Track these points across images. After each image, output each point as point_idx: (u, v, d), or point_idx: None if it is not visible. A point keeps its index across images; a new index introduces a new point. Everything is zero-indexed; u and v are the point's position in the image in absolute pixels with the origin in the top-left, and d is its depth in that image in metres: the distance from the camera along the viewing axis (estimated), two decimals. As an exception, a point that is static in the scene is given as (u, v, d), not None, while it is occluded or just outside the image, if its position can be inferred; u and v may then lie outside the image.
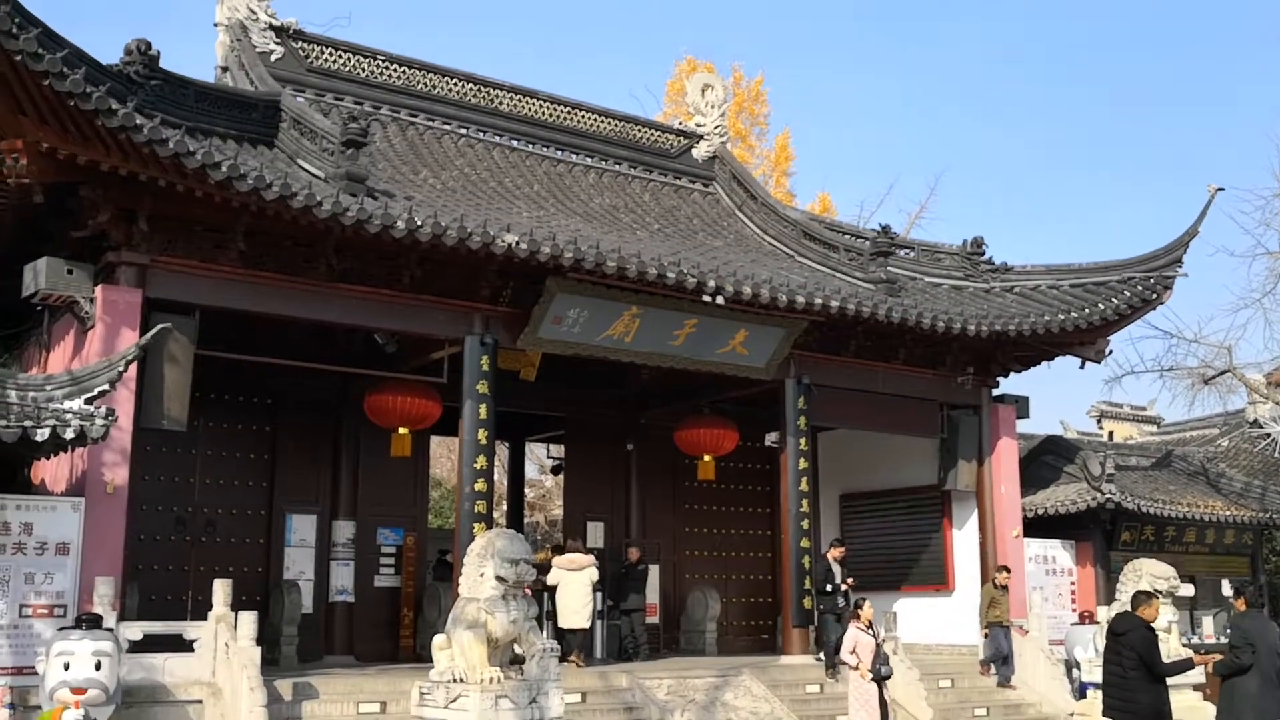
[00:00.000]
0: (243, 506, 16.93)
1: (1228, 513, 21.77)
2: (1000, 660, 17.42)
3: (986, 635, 17.56)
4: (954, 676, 17.29)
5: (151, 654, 12.05)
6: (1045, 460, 22.22)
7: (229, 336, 14.30)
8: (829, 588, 16.68)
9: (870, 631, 13.67)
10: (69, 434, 11.04)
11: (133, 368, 12.27)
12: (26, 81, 10.88)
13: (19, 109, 11.22)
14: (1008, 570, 18.01)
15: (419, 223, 13.25)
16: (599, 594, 18.67)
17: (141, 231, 12.88)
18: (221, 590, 12.57)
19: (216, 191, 12.30)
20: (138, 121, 11.39)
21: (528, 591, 10.61)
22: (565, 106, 20.79)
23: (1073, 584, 20.90)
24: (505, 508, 25.74)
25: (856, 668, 13.57)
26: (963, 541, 20.21)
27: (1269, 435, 21.86)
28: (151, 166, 11.96)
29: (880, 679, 13.39)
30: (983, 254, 20.62)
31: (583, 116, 20.99)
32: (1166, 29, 73.86)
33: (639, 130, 21.84)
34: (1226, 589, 22.77)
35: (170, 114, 12.70)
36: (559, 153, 20.48)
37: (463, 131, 19.40)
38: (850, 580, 17.02)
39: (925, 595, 20.01)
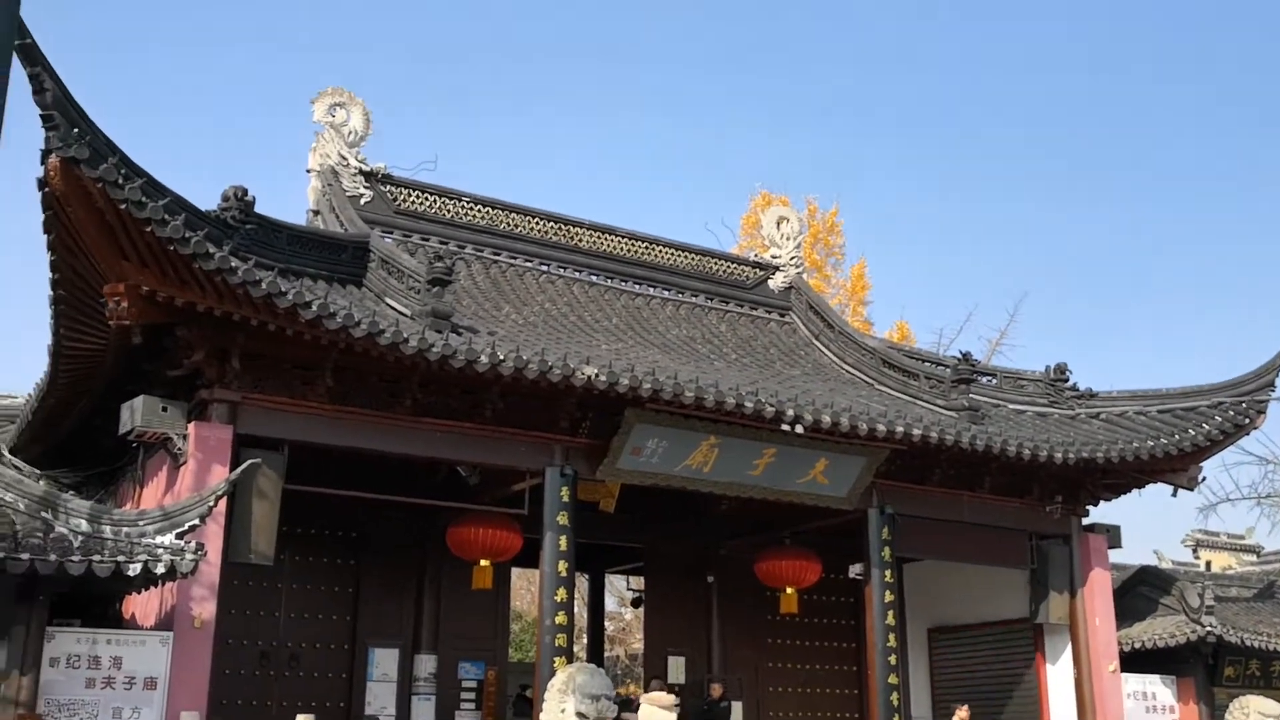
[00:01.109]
0: (326, 640, 17.00)
1: (1338, 646, 20.77)
2: None
3: None
4: (1053, 821, 16.55)
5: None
6: (1140, 591, 21.51)
7: (315, 471, 14.54)
8: None
9: None
10: (160, 569, 11.25)
11: (222, 503, 12.51)
12: (130, 228, 11.42)
13: (122, 254, 11.74)
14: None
15: (501, 357, 13.50)
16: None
17: (234, 369, 13.27)
18: (304, 726, 12.58)
19: (306, 329, 12.67)
20: (233, 264, 11.84)
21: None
22: (643, 242, 21.22)
23: (1176, 723, 20.01)
24: (585, 641, 25.49)
25: None
26: (1057, 677, 19.52)
27: (1377, 564, 20.98)
28: (245, 307, 12.39)
29: None
30: (1066, 380, 20.38)
31: (660, 251, 21.38)
32: (1240, 143, 73.46)
33: (715, 263, 22.16)
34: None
35: (264, 256, 13.20)
36: (637, 286, 20.83)
37: (544, 268, 19.85)
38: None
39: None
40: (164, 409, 13.19)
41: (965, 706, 15.79)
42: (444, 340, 13.30)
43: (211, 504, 11.97)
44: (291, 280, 12.80)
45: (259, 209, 14.69)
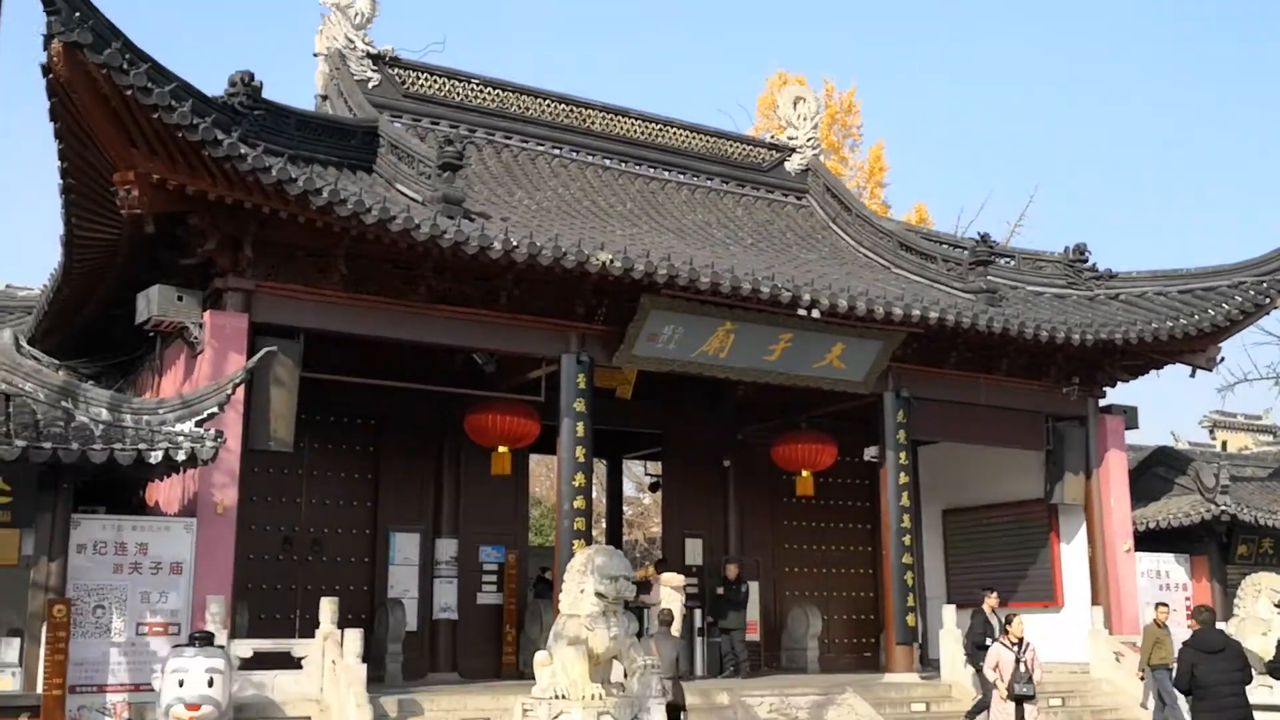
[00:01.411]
0: (348, 526, 17.23)
1: (1351, 525, 20.90)
2: (1164, 704, 15.74)
3: (1143, 677, 16.29)
4: (1065, 695, 16.82)
5: (261, 671, 12.31)
6: (1156, 472, 21.61)
7: (332, 359, 14.59)
8: (988, 642, 14.77)
9: (1015, 649, 13.30)
10: (180, 456, 11.37)
11: (240, 391, 12.59)
12: (137, 115, 11.28)
13: (130, 142, 11.63)
14: (1167, 606, 17.09)
15: (515, 243, 13.40)
16: (698, 611, 18.66)
17: (247, 258, 13.22)
18: (328, 608, 12.81)
19: (318, 217, 12.58)
20: (242, 151, 11.72)
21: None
22: (657, 124, 20.86)
23: (1188, 599, 20.23)
24: (604, 525, 25.81)
25: (996, 685, 13.26)
26: (1071, 556, 19.73)
27: (1394, 443, 20.98)
28: (255, 194, 12.30)
29: (1019, 698, 13.04)
30: (1085, 261, 20.18)
31: (674, 133, 21.04)
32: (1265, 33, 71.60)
33: (731, 145, 21.82)
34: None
35: (273, 142, 13.05)
36: (651, 170, 20.55)
37: (556, 152, 19.58)
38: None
39: (1033, 611, 19.52)
40: (179, 298, 13.20)
41: (994, 593, 15.50)
42: (456, 226, 13.20)
43: (229, 391, 12.04)
44: (301, 166, 12.67)
45: (266, 95, 14.47)
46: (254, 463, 14.44)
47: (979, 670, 15.09)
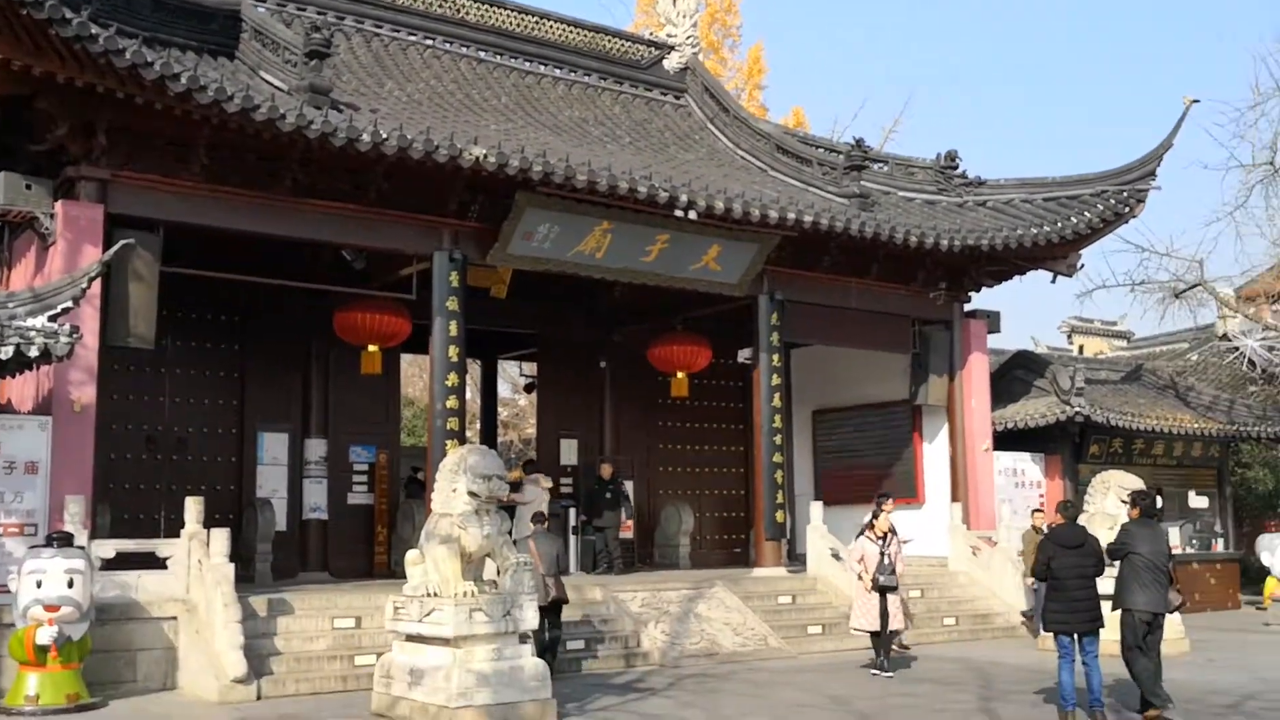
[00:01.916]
0: (214, 425, 16.87)
1: (1195, 426, 21.99)
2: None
3: (1034, 588, 15.89)
4: (924, 587, 17.53)
5: (125, 571, 12.04)
6: (1016, 375, 22.35)
7: (196, 254, 14.10)
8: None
9: (880, 542, 13.70)
10: (33, 352, 10.91)
11: (97, 285, 12.11)
12: (-24, -11, 10.56)
13: (-31, 19, 10.90)
14: (1042, 511, 17.55)
15: (384, 135, 13.03)
16: (573, 510, 18.84)
17: (101, 145, 12.61)
18: (194, 508, 12.55)
19: (177, 104, 12.03)
20: (93, 31, 11.08)
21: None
22: (533, 16, 20.36)
23: (1041, 496, 21.12)
24: (478, 426, 25.73)
25: (860, 577, 13.67)
26: (933, 455, 20.40)
27: (1238, 349, 22.02)
28: (109, 78, 11.68)
29: (883, 589, 13.49)
30: (956, 168, 20.52)
31: (551, 27, 20.57)
32: (1144, -60, 73.00)
33: (609, 41, 21.43)
34: (1194, 500, 23.17)
35: (127, 24, 12.37)
36: (527, 64, 20.10)
37: (428, 43, 19.00)
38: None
39: (896, 508, 20.19)
40: (28, 186, 12.61)
41: (891, 499, 14.85)
42: (323, 117, 12.76)
43: (84, 285, 11.57)
44: (158, 50, 12.05)
45: (119, -28, 13.67)
46: (114, 360, 14.00)
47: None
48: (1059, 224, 18.66)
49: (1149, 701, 10.36)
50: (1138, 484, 14.44)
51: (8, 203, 12.47)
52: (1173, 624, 14.98)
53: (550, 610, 12.50)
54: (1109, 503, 15.55)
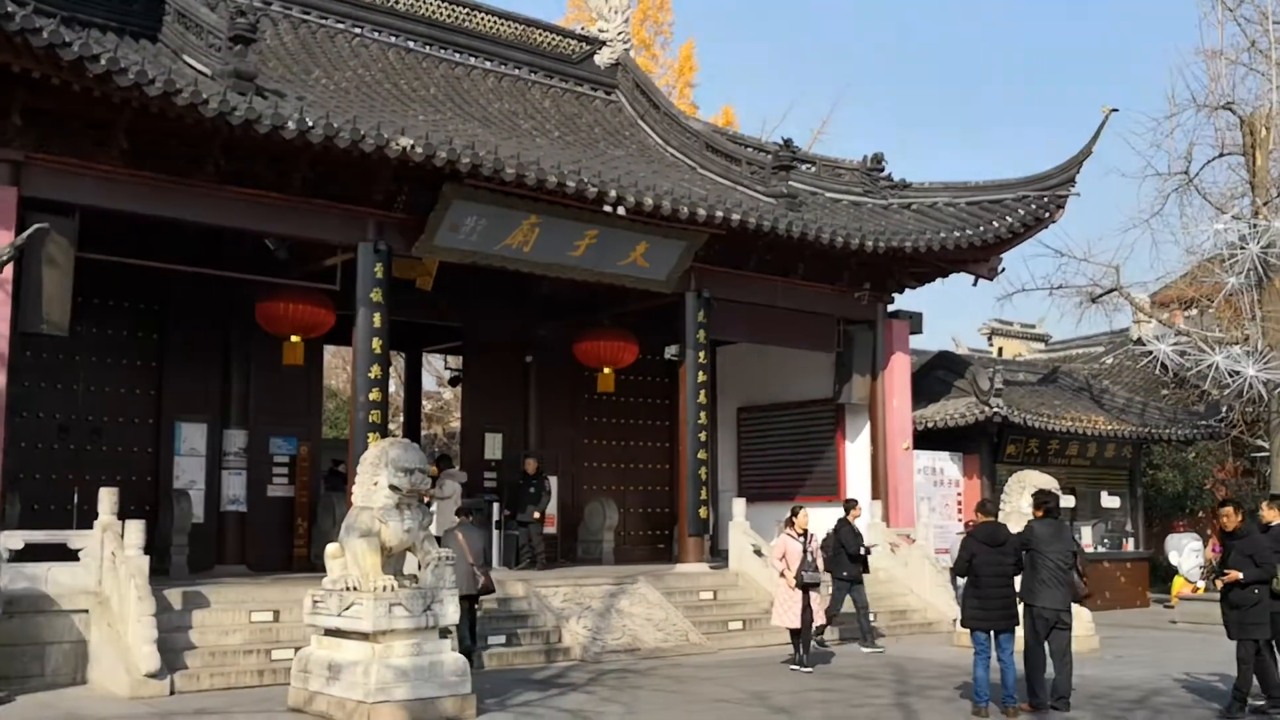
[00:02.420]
0: (129, 414, 16.52)
1: (1109, 428, 22.50)
2: None
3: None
4: (844, 584, 17.69)
5: (35, 564, 11.75)
6: (937, 375, 22.69)
7: (113, 239, 13.79)
8: (863, 551, 15.74)
9: (801, 539, 13.80)
10: (-61, 337, 10.59)
11: (9, 270, 11.84)
12: (-116, -39, 10.22)
13: (-124, -9, 10.54)
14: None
15: (310, 123, 12.85)
16: (496, 505, 18.74)
17: (15, 126, 12.29)
18: (108, 498, 12.28)
19: (96, 86, 11.75)
20: (9, 9, 10.78)
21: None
22: (464, 7, 20.20)
23: (959, 495, 21.50)
24: (402, 419, 25.54)
25: (783, 574, 13.74)
26: (855, 453, 20.63)
27: (1151, 354, 22.54)
28: (25, 57, 11.38)
29: (805, 586, 13.59)
30: (882, 170, 20.76)
31: (482, 18, 20.43)
32: (1068, -49, 74.45)
33: (540, 34, 21.36)
34: (1106, 500, 23.71)
35: (44, 2, 12.02)
36: (457, 55, 19.94)
37: (357, 31, 18.76)
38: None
39: (818, 505, 20.40)
40: (-64, 167, 12.19)
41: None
42: (247, 104, 12.55)
43: (-5, 270, 11.25)
44: (76, 30, 11.74)
45: (37, -51, 13.30)
46: (26, 346, 13.64)
47: (843, 580, 15.57)
48: (981, 228, 18.98)
49: (1033, 695, 10.62)
50: (1052, 484, 14.74)
51: (-86, 183, 12.09)
52: (1083, 621, 15.31)
53: (475, 599, 12.49)
54: (1024, 502, 15.76)
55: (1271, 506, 11.12)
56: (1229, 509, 10.96)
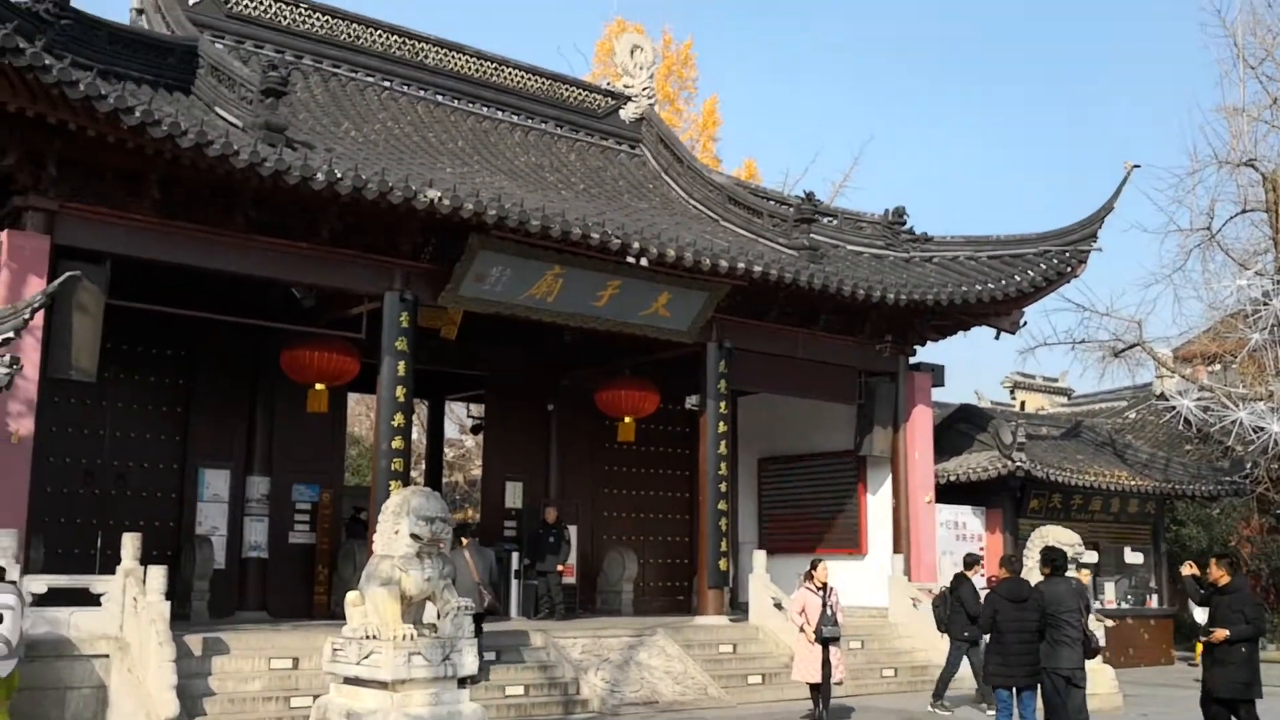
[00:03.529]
0: (154, 460, 16.65)
1: (1132, 483, 22.35)
2: None
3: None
4: (864, 638, 17.61)
5: (58, 608, 11.81)
6: (959, 428, 22.62)
7: (142, 287, 13.98)
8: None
9: (821, 593, 13.70)
10: (-29, 382, 10.75)
11: (40, 316, 11.97)
12: (-71, 16, 10.50)
13: (-80, 45, 10.82)
14: (1087, 568, 17.41)
15: (339, 175, 13.04)
16: (516, 554, 18.73)
17: (50, 176, 12.53)
18: (131, 544, 12.35)
19: (130, 137, 11.98)
20: (46, 62, 11.04)
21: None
22: (492, 63, 20.54)
23: (982, 549, 21.34)
24: (424, 467, 25.60)
25: (803, 629, 13.64)
26: (877, 506, 20.55)
27: (1174, 408, 22.45)
28: (61, 109, 11.62)
29: (825, 640, 13.49)
30: (904, 224, 20.86)
31: (509, 73, 20.75)
32: (1092, 9, 74.97)
33: (566, 89, 21.66)
34: (1130, 556, 23.50)
35: (82, 55, 12.35)
36: (485, 109, 20.24)
37: (386, 84, 19.08)
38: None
39: (838, 558, 20.32)
40: (-27, 215, 12.42)
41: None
42: (277, 155, 12.76)
43: (27, 316, 11.41)
44: (113, 83, 12.01)
45: (76, 4, 13.65)
46: (54, 392, 13.80)
47: (963, 640, 14.80)
48: (1003, 281, 19.01)
49: None
50: (1075, 539, 14.65)
51: (-49, 231, 12.32)
52: (1107, 679, 15.17)
53: (481, 618, 12.54)
54: (1045, 558, 15.71)
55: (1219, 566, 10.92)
56: (1217, 564, 10.83)
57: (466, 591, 11.50)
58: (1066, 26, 74.84)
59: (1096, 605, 21.39)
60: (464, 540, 13.54)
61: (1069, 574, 11.39)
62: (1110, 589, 22.85)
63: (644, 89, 22.45)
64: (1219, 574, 10.67)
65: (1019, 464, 20.49)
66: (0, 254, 12.36)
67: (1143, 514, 23.93)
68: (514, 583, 18.44)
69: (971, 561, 15.74)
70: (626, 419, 19.41)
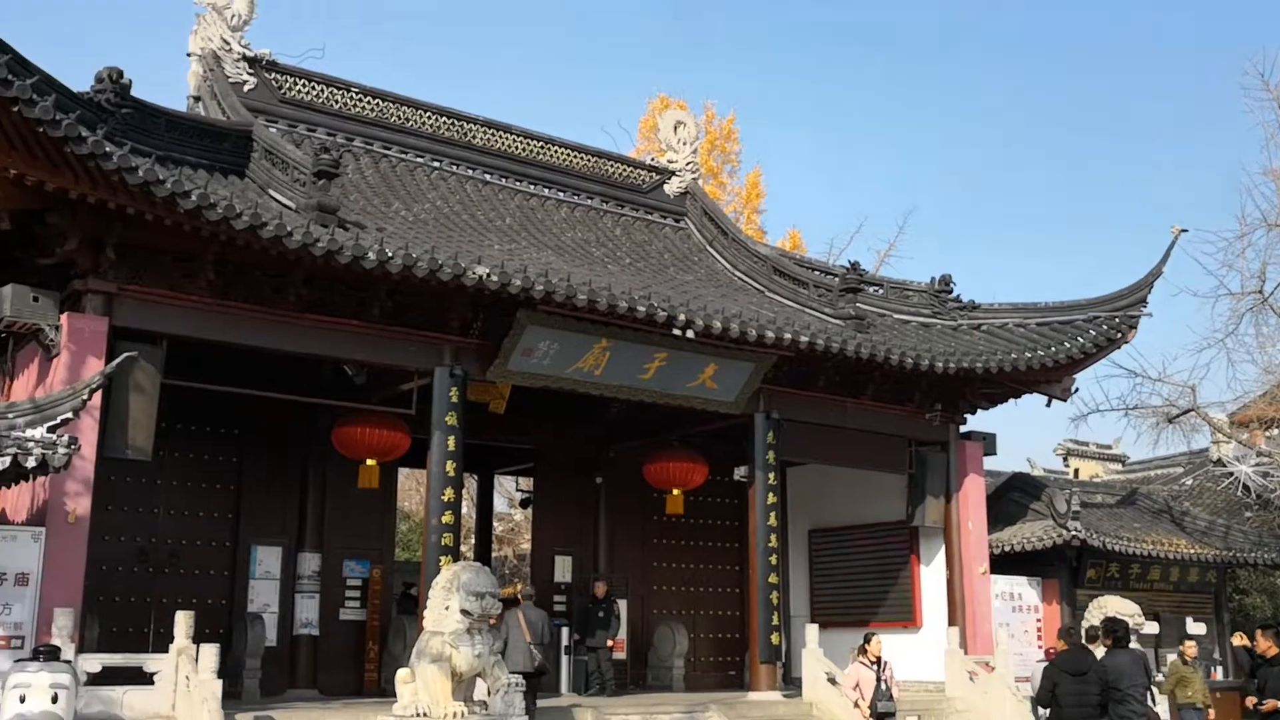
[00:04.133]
0: (207, 538, 16.77)
1: (1192, 551, 21.91)
2: None
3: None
4: (920, 713, 17.22)
5: (111, 687, 11.87)
6: (1012, 497, 22.33)
7: (196, 366, 14.19)
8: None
9: (874, 667, 13.50)
10: (30, 462, 10.91)
11: (97, 396, 12.17)
12: (-4, 108, 10.86)
13: (-13, 135, 11.18)
14: (1194, 641, 16.97)
15: (390, 254, 13.25)
16: (565, 629, 18.61)
17: (109, 259, 12.81)
18: (184, 622, 12.43)
19: (186, 220, 12.26)
20: (107, 149, 11.36)
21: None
22: (538, 141, 20.88)
23: (1039, 620, 20.94)
24: (473, 541, 25.60)
25: (858, 704, 13.44)
26: (930, 578, 20.25)
27: (1232, 474, 22.07)
28: (120, 194, 11.93)
29: (881, 716, 13.26)
30: (950, 291, 20.80)
31: (556, 151, 21.08)
32: (1135, 74, 75.06)
33: (611, 166, 21.95)
34: (1191, 626, 22.95)
35: (141, 142, 12.67)
36: (531, 187, 20.54)
37: (436, 165, 19.43)
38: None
39: (892, 631, 20.00)
40: (35, 299, 12.71)
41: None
42: (330, 235, 12.99)
43: (85, 397, 11.63)
44: (170, 168, 12.33)
45: (136, 93, 14.05)
46: (110, 471, 13.97)
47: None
48: (1052, 348, 18.86)
49: None
50: (1134, 609, 14.37)
51: (14, 315, 12.59)
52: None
53: (533, 677, 12.52)
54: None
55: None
56: (1263, 634, 10.61)
57: (520, 653, 11.48)
58: (1108, 91, 74.93)
59: (1159, 678, 20.88)
60: (519, 599, 13.55)
61: (1132, 645, 11.14)
62: (1173, 660, 22.25)
63: (688, 163, 22.70)
64: (1266, 645, 10.46)
65: (1074, 533, 20.16)
66: (60, 336, 12.61)
67: (1204, 583, 23.41)
68: (564, 658, 18.30)
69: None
70: (675, 491, 19.34)
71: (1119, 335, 19.32)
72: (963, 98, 75.17)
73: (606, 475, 20.50)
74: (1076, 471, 32.30)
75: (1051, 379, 19.61)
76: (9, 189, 11.58)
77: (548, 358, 15.56)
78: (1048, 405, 20.19)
